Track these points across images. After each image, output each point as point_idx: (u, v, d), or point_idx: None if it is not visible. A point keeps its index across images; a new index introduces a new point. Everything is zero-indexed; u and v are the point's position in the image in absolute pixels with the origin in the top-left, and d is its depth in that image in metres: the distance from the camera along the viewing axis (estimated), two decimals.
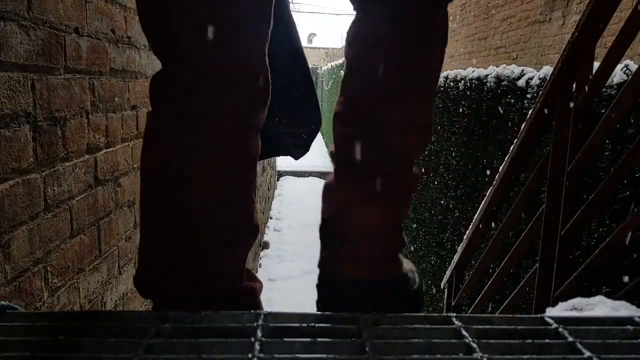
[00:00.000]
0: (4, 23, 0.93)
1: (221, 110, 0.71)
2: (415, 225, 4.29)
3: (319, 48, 36.34)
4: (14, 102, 0.97)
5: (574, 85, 1.63)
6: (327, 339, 0.57)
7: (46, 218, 1.10)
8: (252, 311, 0.65)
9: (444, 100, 3.53)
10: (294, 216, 8.19)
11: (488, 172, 2.74)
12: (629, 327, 0.62)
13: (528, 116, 1.92)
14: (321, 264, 0.77)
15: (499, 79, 2.63)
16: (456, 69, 3.45)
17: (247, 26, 0.70)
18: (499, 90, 2.60)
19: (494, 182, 2.19)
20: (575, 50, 1.63)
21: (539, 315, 0.66)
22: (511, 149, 2.05)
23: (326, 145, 13.66)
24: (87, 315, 0.64)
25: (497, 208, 2.26)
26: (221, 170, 0.72)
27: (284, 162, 11.08)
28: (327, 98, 15.40)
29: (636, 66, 1.51)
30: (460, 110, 3.20)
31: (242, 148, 0.73)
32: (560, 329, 0.61)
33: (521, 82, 2.37)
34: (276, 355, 0.54)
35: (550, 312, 1.48)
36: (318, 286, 0.76)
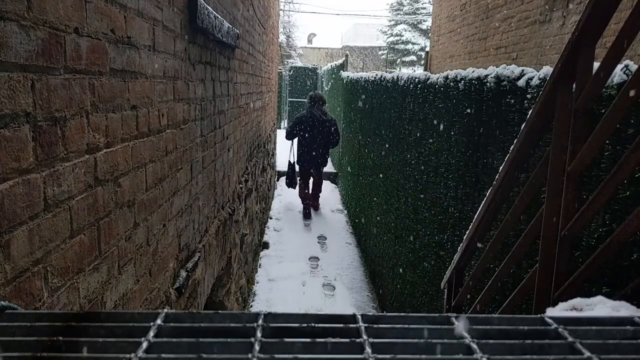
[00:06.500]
0: (4, 23, 0.93)
1: None
2: (415, 225, 4.28)
3: (319, 48, 36.32)
4: (13, 102, 0.97)
5: (574, 85, 1.63)
6: (327, 339, 0.57)
7: (46, 218, 1.10)
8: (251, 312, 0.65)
9: (444, 100, 3.53)
10: (293, 216, 8.20)
11: (488, 172, 2.74)
12: (628, 327, 0.62)
13: (528, 116, 1.92)
14: None
15: (499, 79, 2.63)
16: (456, 69, 3.45)
17: None
18: (499, 91, 2.60)
19: (494, 182, 2.19)
20: (575, 50, 1.63)
21: (539, 316, 0.66)
22: (511, 149, 2.05)
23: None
24: (87, 315, 0.64)
25: (497, 208, 2.26)
26: None
27: (283, 163, 11.08)
28: (327, 98, 15.42)
29: (636, 66, 1.51)
30: (460, 110, 3.19)
31: None
32: (560, 329, 0.61)
33: (521, 82, 2.37)
34: (276, 356, 0.54)
35: (550, 312, 1.48)
36: None
